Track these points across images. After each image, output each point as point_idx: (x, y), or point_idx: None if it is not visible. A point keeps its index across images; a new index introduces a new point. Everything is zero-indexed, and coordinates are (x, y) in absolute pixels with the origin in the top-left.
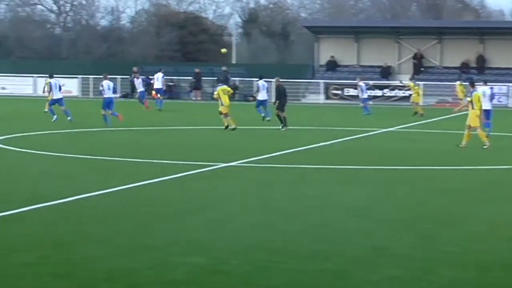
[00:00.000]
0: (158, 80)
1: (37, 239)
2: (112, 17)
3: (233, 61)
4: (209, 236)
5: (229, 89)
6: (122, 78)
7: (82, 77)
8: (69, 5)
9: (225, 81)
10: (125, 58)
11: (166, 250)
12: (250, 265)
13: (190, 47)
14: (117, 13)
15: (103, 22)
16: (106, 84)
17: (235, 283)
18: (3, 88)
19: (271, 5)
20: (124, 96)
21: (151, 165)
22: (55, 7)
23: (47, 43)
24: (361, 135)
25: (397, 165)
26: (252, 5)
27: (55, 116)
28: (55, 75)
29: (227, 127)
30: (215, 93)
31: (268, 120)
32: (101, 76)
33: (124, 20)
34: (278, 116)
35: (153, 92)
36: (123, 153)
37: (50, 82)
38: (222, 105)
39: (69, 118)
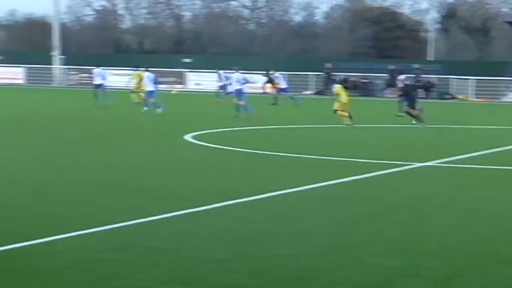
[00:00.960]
0: (281, 80)
1: (229, 236)
2: (306, 13)
3: (430, 58)
4: (404, 238)
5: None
6: (316, 74)
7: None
8: (263, 1)
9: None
10: (319, 54)
11: (359, 251)
12: (447, 269)
13: (386, 44)
14: (311, 8)
15: (297, 18)
16: (236, 76)
17: (430, 287)
18: (198, 84)
19: (470, 0)
20: (317, 93)
21: (341, 163)
22: (249, 3)
23: (240, 39)
24: None
25: None
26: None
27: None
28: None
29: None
30: (335, 90)
31: (398, 116)
32: (295, 73)
33: (318, 16)
34: (409, 113)
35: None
36: (310, 151)
37: (143, 75)
38: (339, 102)
39: (159, 109)
